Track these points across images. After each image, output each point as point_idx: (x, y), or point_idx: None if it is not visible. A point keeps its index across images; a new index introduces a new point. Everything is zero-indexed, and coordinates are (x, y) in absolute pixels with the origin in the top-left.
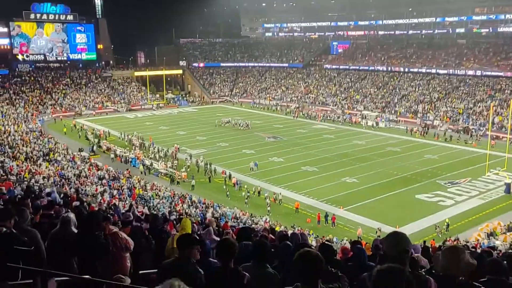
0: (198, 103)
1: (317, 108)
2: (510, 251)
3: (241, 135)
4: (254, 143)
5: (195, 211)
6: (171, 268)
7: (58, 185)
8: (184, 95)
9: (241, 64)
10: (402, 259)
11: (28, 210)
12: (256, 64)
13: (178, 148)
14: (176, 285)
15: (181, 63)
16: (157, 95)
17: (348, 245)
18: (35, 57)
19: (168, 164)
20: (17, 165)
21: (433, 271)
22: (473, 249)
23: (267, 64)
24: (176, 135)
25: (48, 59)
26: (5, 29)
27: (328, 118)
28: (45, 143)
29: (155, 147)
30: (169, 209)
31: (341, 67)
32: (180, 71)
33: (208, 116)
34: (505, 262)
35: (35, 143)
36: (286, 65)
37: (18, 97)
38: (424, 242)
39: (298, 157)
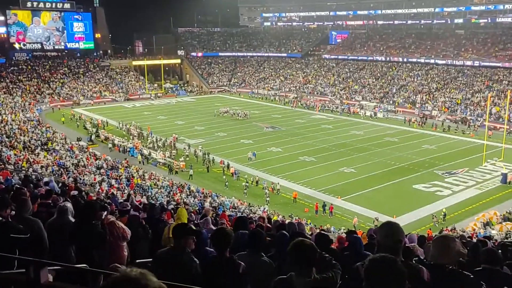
0: (196, 92)
1: (316, 98)
2: (505, 240)
3: (240, 125)
4: (252, 133)
5: (193, 201)
6: (165, 257)
7: (56, 175)
8: (182, 85)
9: (239, 54)
10: (396, 249)
11: (29, 200)
12: (254, 54)
13: (177, 138)
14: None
15: (179, 52)
16: (155, 85)
17: (344, 235)
18: (32, 45)
19: (167, 153)
20: (15, 154)
21: (425, 260)
22: (469, 239)
23: (266, 54)
24: (175, 125)
25: (45, 48)
26: (2, 18)
27: (327, 108)
28: (43, 133)
29: (153, 137)
30: (167, 198)
31: (339, 57)
32: (178, 61)
33: (206, 106)
34: (499, 251)
35: (33, 132)
36: (285, 55)
37: (15, 86)
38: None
39: (296, 147)
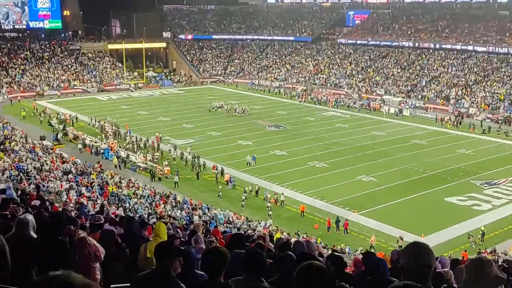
0: (184, 83)
1: (329, 91)
2: None
3: (237, 123)
4: (252, 132)
5: (180, 214)
6: (146, 282)
7: (15, 180)
8: (168, 74)
9: (237, 36)
10: (424, 275)
11: None
12: (255, 37)
13: (160, 138)
14: None
15: (165, 34)
16: (135, 73)
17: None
18: None
19: (148, 156)
20: None
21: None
22: None
23: (269, 38)
24: (158, 122)
25: (2, 27)
26: None
27: (342, 103)
28: None
29: (132, 136)
30: (149, 211)
31: (358, 42)
32: (164, 44)
33: (196, 99)
34: None
35: None
36: (292, 38)
37: None
38: (451, 257)
39: (304, 150)
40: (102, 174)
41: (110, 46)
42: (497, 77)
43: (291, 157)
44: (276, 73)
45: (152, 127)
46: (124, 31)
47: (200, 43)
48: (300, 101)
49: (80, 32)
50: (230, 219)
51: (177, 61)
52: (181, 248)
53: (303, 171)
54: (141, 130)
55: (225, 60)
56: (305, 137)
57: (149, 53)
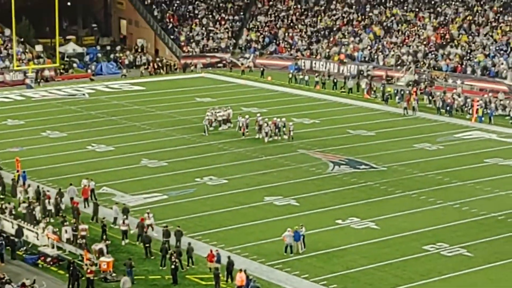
0: (146, 67)
1: (470, 86)
2: None
3: (262, 158)
4: (298, 178)
5: None
6: None
7: None
8: (110, 48)
9: None
10: None
11: None
12: None
13: (92, 190)
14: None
15: None
16: (38, 48)
17: None
18: None
19: (65, 231)
20: None
21: None
22: None
23: None
24: (87, 155)
25: None
26: None
27: (498, 112)
28: None
29: (28, 187)
30: None
31: None
32: None
33: (173, 105)
34: None
35: None
36: None
37: None
38: None
39: (420, 217)
40: None
41: None
42: None
43: (385, 233)
44: (352, 45)
45: (73, 166)
46: None
47: None
48: (404, 109)
49: None
50: None
51: (131, 19)
52: None
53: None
54: (48, 174)
55: (236, 17)
56: (417, 190)
57: (69, 3)
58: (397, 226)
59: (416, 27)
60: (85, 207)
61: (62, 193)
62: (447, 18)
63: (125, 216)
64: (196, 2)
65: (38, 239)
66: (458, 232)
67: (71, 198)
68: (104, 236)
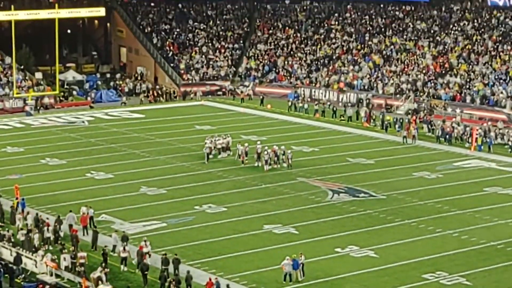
0: (145, 95)
1: (468, 114)
2: None
3: (261, 187)
4: (297, 206)
5: None
6: None
7: None
8: (111, 75)
9: None
10: None
11: None
12: None
13: (91, 218)
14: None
15: None
16: (37, 75)
17: None
18: None
19: (64, 259)
20: None
21: None
22: None
23: None
24: (85, 182)
25: None
26: None
27: (498, 141)
28: None
29: (27, 214)
30: None
31: None
32: (101, 11)
33: (172, 133)
34: None
35: None
36: None
37: None
38: None
39: (418, 247)
40: None
41: None
42: None
43: (385, 261)
44: (351, 73)
45: (72, 194)
46: None
47: (179, 8)
48: (404, 138)
49: None
50: None
51: (131, 47)
52: None
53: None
54: (47, 202)
55: (236, 46)
56: (416, 219)
57: (68, 31)
58: (396, 254)
59: (415, 56)
60: (84, 234)
61: (61, 220)
62: (446, 47)
63: (125, 243)
64: (196, 30)
65: (36, 267)
66: (458, 260)
67: (70, 225)
68: (104, 264)
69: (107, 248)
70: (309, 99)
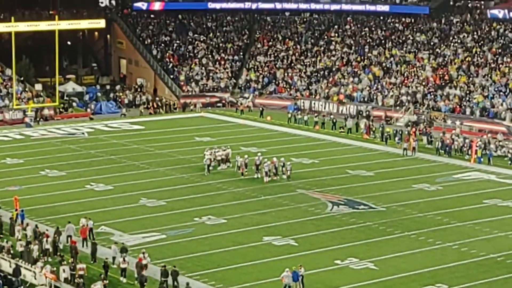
0: (145, 107)
1: (468, 126)
2: None
3: (257, 199)
4: (296, 218)
5: None
6: None
7: None
8: (109, 87)
9: (263, 4)
10: None
11: None
12: (303, 7)
13: (90, 230)
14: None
15: (102, 0)
16: (37, 87)
17: None
18: None
19: (63, 271)
20: None
21: None
22: None
23: (334, 7)
24: (85, 194)
25: None
26: None
27: (498, 153)
28: None
29: (26, 225)
30: None
31: None
32: (100, 24)
33: (172, 144)
34: None
35: None
36: (386, 9)
37: None
38: None
39: (418, 259)
40: None
41: None
42: None
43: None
44: (351, 85)
45: (71, 205)
46: None
47: (179, 19)
48: (404, 150)
49: None
50: None
51: (130, 58)
52: None
53: None
54: (46, 213)
55: (236, 57)
56: (417, 232)
57: (68, 43)
58: (396, 266)
59: (415, 68)
60: (83, 246)
61: (60, 232)
62: (446, 59)
63: (124, 254)
64: (196, 42)
65: (35, 278)
66: (457, 273)
67: (69, 236)
68: (102, 276)
69: (108, 260)
70: (309, 111)
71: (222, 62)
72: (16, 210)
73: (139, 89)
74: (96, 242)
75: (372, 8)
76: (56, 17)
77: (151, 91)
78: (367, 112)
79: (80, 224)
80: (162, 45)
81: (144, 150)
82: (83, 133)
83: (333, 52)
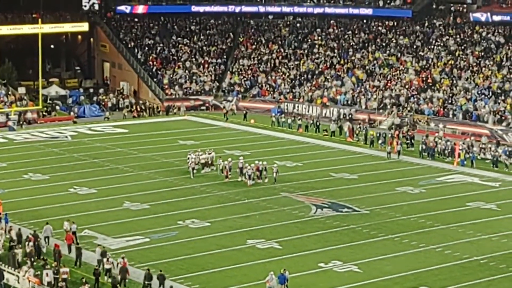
0: (128, 110)
1: (452, 129)
2: None
3: (241, 202)
4: (280, 221)
5: None
6: None
7: None
8: (94, 90)
9: (246, 8)
10: None
11: None
12: (286, 10)
13: (73, 234)
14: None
15: (86, 4)
16: (21, 90)
17: None
18: None
19: (46, 274)
20: None
21: None
22: None
23: (317, 10)
24: (68, 197)
25: None
26: None
27: (481, 156)
28: None
29: (10, 229)
30: None
31: None
32: (83, 27)
33: (156, 148)
34: None
35: None
36: (369, 12)
37: None
38: None
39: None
40: None
41: None
42: None
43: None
44: (334, 88)
45: (54, 209)
46: None
47: (163, 23)
48: (388, 153)
49: None
50: None
51: (114, 62)
52: None
53: None
54: (29, 217)
55: (220, 61)
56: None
57: (52, 46)
58: (379, 269)
59: (398, 71)
60: (69, 252)
61: (37, 234)
62: (429, 62)
63: (109, 254)
64: (180, 45)
65: (19, 282)
66: (441, 275)
67: (47, 237)
68: (84, 279)
69: (99, 268)
70: (292, 114)
71: (206, 65)
72: (0, 214)
73: (122, 93)
74: (81, 247)
75: (355, 11)
76: (39, 20)
77: (139, 96)
78: (350, 115)
79: (63, 227)
80: (146, 48)
81: (128, 154)
82: (66, 137)
83: (317, 55)
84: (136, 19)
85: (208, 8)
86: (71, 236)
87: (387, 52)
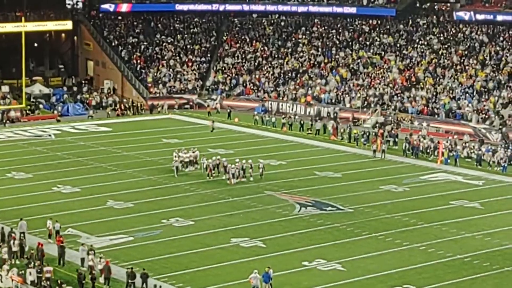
0: (112, 108)
1: (435, 128)
2: None
3: (225, 200)
4: (264, 220)
5: None
6: None
7: None
8: (76, 89)
9: (230, 6)
10: None
11: None
12: (270, 9)
13: (57, 232)
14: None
15: (69, 2)
16: (4, 89)
17: None
18: None
19: (30, 273)
20: None
21: None
22: None
23: (301, 9)
24: (52, 196)
25: None
26: None
27: (464, 155)
28: None
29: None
30: None
31: (502, 18)
32: (67, 25)
33: (139, 147)
34: None
35: None
36: (353, 11)
37: None
38: None
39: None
40: None
41: None
42: None
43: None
44: (319, 86)
45: (38, 207)
46: None
47: (147, 21)
48: (374, 152)
49: None
50: None
51: (98, 60)
52: None
53: None
54: (13, 216)
55: (204, 59)
56: (383, 233)
57: (36, 44)
58: (363, 268)
59: (382, 70)
60: (62, 254)
61: (13, 232)
62: (412, 61)
63: (92, 252)
64: (164, 44)
65: (2, 281)
66: (425, 273)
67: (22, 233)
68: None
69: (84, 271)
70: (276, 113)
71: (190, 64)
72: None
73: (106, 91)
74: (64, 245)
75: (339, 10)
76: (23, 18)
77: (119, 93)
78: (335, 114)
79: (46, 226)
80: (129, 46)
81: (111, 152)
82: (50, 135)
83: (301, 54)
84: (120, 18)
85: (192, 7)
86: (61, 239)
87: (371, 50)
